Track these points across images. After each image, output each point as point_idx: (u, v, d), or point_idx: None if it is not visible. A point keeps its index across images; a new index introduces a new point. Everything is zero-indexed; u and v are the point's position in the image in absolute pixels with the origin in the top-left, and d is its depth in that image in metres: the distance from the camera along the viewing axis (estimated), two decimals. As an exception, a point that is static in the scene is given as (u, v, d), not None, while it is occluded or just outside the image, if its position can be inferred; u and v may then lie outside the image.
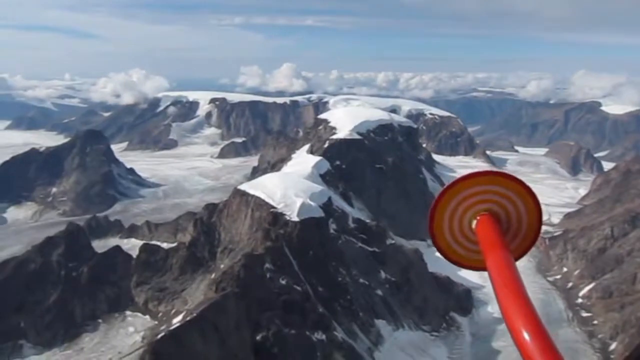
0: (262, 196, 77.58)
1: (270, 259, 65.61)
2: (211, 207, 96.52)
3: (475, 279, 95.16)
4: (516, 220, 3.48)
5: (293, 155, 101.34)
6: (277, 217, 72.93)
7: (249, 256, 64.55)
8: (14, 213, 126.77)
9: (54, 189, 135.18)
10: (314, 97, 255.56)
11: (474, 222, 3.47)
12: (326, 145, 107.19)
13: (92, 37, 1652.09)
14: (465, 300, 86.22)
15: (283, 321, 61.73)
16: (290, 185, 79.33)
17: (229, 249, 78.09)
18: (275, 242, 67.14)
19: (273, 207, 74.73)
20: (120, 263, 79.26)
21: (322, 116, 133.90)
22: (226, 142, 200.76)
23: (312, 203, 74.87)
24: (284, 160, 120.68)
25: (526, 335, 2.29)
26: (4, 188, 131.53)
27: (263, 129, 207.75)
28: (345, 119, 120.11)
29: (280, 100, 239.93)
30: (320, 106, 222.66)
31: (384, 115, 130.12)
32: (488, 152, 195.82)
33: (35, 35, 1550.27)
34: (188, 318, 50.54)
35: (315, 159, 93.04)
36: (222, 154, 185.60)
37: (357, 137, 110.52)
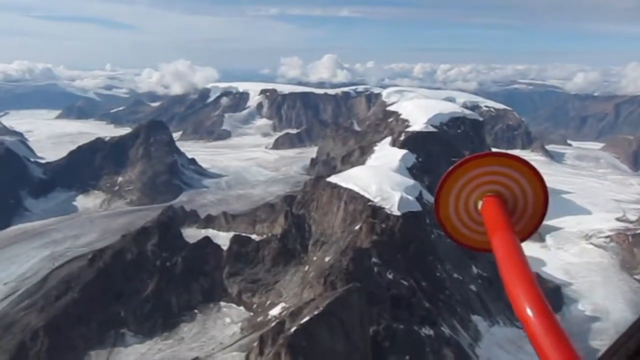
0: (356, 189, 76.49)
1: (377, 253, 64.49)
2: (289, 199, 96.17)
3: (563, 276, 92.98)
4: (522, 201, 3.44)
5: (375, 148, 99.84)
6: (376, 211, 71.74)
7: (357, 250, 63.53)
8: (83, 201, 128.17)
9: (120, 178, 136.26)
10: (360, 88, 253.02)
11: (480, 203, 3.43)
12: (402, 137, 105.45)
13: (131, 28, 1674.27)
14: (555, 297, 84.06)
15: (392, 316, 60.77)
16: (384, 179, 78.04)
17: (321, 241, 77.31)
18: (381, 236, 65.96)
19: (370, 200, 73.56)
20: (210, 253, 79.06)
21: (391, 108, 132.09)
22: (279, 133, 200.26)
23: (409, 197, 73.55)
24: (351, 152, 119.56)
25: (532, 316, 2.30)
26: (72, 177, 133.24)
27: (315, 120, 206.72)
28: (416, 111, 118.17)
29: (331, 91, 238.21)
30: (372, 97, 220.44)
31: (455, 108, 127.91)
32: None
33: (75, 26, 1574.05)
34: (315, 312, 49.66)
35: (401, 152, 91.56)
36: (277, 145, 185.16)
37: (433, 129, 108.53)
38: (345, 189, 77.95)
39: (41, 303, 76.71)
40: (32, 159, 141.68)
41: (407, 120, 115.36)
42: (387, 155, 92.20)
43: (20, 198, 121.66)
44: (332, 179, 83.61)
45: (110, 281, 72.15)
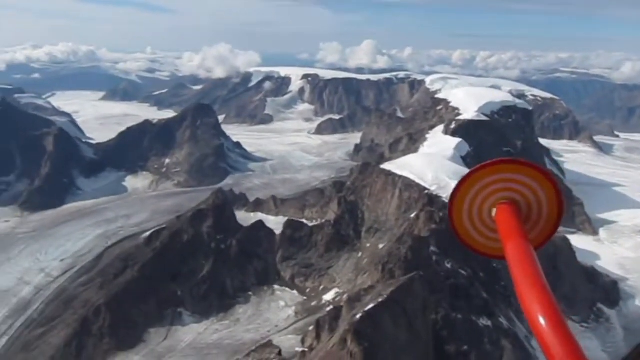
0: (412, 177, 75.95)
1: (435, 242, 64.07)
2: (339, 185, 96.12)
3: (618, 271, 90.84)
4: (537, 209, 3.41)
5: (427, 136, 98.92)
6: (432, 199, 71.15)
7: (415, 238, 63.22)
8: (132, 182, 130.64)
9: (167, 160, 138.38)
10: (402, 74, 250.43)
11: (494, 211, 3.43)
12: (453, 125, 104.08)
13: (171, 11, 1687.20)
14: (612, 292, 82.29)
15: (450, 305, 60.39)
16: (439, 167, 77.30)
17: (375, 229, 77.22)
18: (440, 225, 65.46)
19: (426, 188, 72.98)
20: (264, 237, 79.79)
21: (440, 96, 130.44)
22: (321, 119, 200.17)
23: (466, 186, 72.56)
24: (399, 140, 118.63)
25: (545, 325, 2.32)
26: (122, 158, 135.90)
27: (358, 106, 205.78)
28: (467, 99, 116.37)
29: (373, 77, 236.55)
30: (415, 84, 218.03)
31: (507, 97, 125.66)
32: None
33: (117, 9, 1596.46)
34: (379, 300, 49.69)
35: (455, 140, 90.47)
36: (319, 131, 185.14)
37: (484, 118, 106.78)
38: (400, 176, 77.47)
39: (100, 280, 78.92)
40: (83, 140, 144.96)
41: (457, 109, 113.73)
42: (440, 144, 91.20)
43: (73, 177, 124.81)
44: (386, 166, 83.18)
45: (168, 261, 73.56)
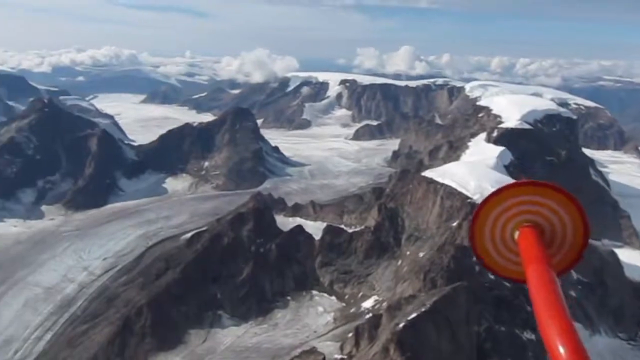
0: (454, 185, 74.98)
1: (479, 252, 62.93)
2: (378, 192, 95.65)
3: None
4: (561, 234, 3.34)
5: (469, 144, 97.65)
6: (474, 208, 69.97)
7: (458, 247, 62.32)
8: (172, 184, 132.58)
9: (207, 163, 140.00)
10: (440, 81, 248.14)
11: (517, 233, 3.38)
12: (495, 134, 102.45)
13: (210, 16, 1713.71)
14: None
15: (494, 317, 59.29)
16: (482, 176, 76.08)
17: (415, 236, 76.46)
18: (483, 235, 64.28)
19: (468, 197, 71.93)
20: (303, 242, 79.85)
21: (481, 103, 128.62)
22: (359, 124, 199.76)
23: (510, 196, 71.25)
24: (439, 147, 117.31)
25: (564, 355, 2.28)
26: (162, 160, 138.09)
27: (396, 112, 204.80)
28: (509, 107, 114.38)
29: (411, 83, 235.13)
30: (454, 91, 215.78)
31: (550, 105, 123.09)
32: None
33: (158, 14, 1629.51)
34: (422, 309, 49.09)
35: (498, 148, 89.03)
36: (357, 136, 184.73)
37: (527, 126, 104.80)
38: (442, 184, 76.56)
39: (141, 280, 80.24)
40: (125, 141, 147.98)
41: (499, 116, 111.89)
42: (482, 152, 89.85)
43: (115, 178, 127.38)
44: (427, 173, 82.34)
45: (208, 263, 74.31)
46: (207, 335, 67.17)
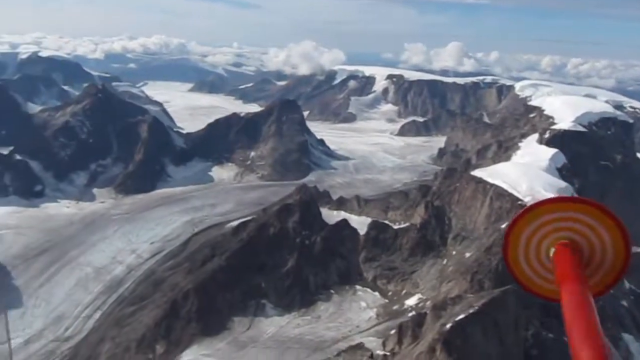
0: (504, 186, 73.67)
1: (528, 256, 61.77)
2: (424, 189, 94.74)
3: None
4: (600, 253, 3.19)
5: (521, 144, 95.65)
6: (525, 211, 68.65)
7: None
8: (218, 172, 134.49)
9: (253, 153, 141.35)
10: (488, 79, 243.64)
11: (552, 251, 3.26)
12: (547, 135, 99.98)
13: (257, 7, 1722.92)
14: None
15: (541, 323, 58.11)
16: (534, 178, 74.51)
17: (462, 236, 75.55)
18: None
19: (519, 199, 70.52)
20: (347, 236, 79.90)
21: (533, 103, 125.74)
22: (405, 120, 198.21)
23: (563, 199, 69.51)
24: (488, 147, 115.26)
25: None
26: (209, 148, 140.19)
27: (442, 109, 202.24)
28: (563, 108, 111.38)
29: (459, 80, 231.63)
30: (503, 90, 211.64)
31: (606, 107, 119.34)
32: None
33: (207, 5, 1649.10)
34: (470, 311, 48.51)
35: (551, 150, 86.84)
36: (402, 132, 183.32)
37: (581, 129, 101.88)
38: (492, 184, 75.32)
39: (187, 265, 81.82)
40: (174, 129, 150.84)
41: (551, 117, 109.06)
42: (534, 153, 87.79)
43: (164, 165, 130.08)
44: (477, 173, 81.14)
45: (253, 253, 75.18)
46: (251, 324, 68.08)
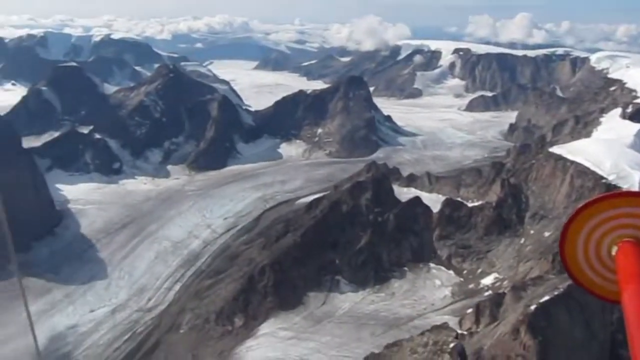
0: (586, 164, 70.84)
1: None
2: (498, 166, 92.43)
3: None
4: None
5: (602, 120, 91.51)
6: (610, 190, 65.82)
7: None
8: (286, 149, 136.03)
9: (320, 130, 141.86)
10: (560, 51, 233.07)
11: (614, 249, 3.08)
12: (630, 109, 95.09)
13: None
14: None
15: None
16: (619, 155, 71.22)
17: (540, 215, 73.51)
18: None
19: (602, 177, 67.74)
20: (420, 213, 79.32)
21: (614, 76, 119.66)
22: (472, 95, 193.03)
23: (651, 178, 66.24)
24: (564, 122, 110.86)
25: None
26: (277, 125, 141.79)
27: (512, 83, 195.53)
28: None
29: (530, 53, 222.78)
30: (577, 62, 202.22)
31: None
32: None
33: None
34: (555, 293, 47.33)
35: (636, 126, 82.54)
36: (470, 107, 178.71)
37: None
38: (572, 162, 72.59)
39: (261, 241, 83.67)
40: (242, 107, 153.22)
41: (634, 91, 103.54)
42: (617, 129, 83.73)
43: (234, 142, 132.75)
44: (556, 150, 78.35)
45: (327, 229, 75.96)
46: (326, 299, 69.17)
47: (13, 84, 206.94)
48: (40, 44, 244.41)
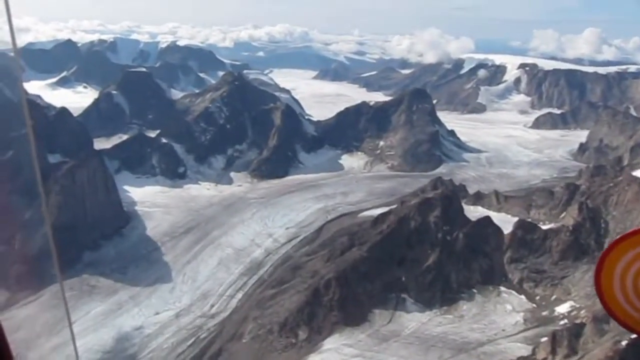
0: (675, 190, 66.77)
1: None
2: (572, 188, 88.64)
3: None
4: None
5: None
6: (703, 219, 61.87)
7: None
8: (348, 161, 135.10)
9: (382, 143, 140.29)
10: (632, 68, 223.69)
11: None
12: None
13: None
14: None
15: None
16: None
17: (621, 242, 69.52)
18: None
19: (694, 205, 63.63)
20: (491, 234, 76.64)
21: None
22: (539, 112, 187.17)
23: None
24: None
25: None
26: (339, 136, 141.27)
27: (582, 101, 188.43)
28: None
29: (601, 70, 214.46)
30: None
31: None
32: None
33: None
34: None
35: None
36: (537, 125, 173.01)
37: None
38: (659, 188, 68.63)
39: (324, 253, 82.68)
40: (305, 116, 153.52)
41: None
42: None
43: (296, 151, 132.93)
44: (638, 173, 74.27)
45: (394, 246, 74.35)
46: (392, 317, 67.52)
47: (85, 87, 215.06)
48: (110, 49, 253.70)
